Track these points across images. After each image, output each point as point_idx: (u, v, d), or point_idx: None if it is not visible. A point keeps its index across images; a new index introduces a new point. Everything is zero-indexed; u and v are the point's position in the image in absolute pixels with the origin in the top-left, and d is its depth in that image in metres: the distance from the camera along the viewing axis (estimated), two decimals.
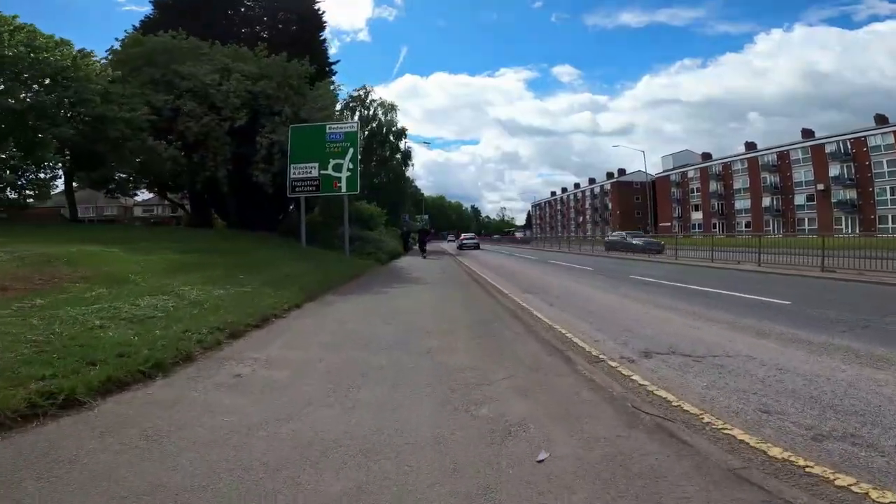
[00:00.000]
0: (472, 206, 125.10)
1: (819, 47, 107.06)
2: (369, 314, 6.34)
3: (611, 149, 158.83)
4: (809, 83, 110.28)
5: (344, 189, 17.10)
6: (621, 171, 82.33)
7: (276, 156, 17.69)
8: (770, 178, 54.60)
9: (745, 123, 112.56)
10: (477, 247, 41.24)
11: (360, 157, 39.78)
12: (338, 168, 17.10)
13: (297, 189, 17.30)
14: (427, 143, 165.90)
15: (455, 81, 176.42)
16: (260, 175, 17.37)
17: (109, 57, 18.99)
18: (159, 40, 18.68)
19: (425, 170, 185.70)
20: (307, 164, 17.32)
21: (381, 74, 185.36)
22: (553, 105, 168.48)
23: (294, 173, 17.30)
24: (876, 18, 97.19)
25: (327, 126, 17.80)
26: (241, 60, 19.18)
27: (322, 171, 17.17)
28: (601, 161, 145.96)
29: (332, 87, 24.43)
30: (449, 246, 49.02)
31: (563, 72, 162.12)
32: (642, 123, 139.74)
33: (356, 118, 40.53)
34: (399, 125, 40.48)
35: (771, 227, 53.16)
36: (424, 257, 22.51)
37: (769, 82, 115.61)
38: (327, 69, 28.34)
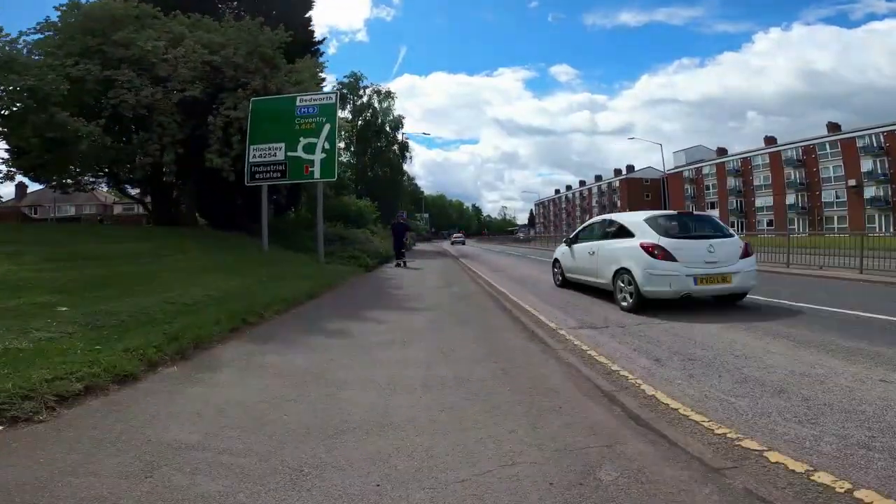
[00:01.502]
0: (474, 205, 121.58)
1: (817, 46, 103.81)
2: (255, 435, 2.45)
3: (610, 148, 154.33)
4: (808, 82, 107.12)
5: (317, 175, 13.46)
6: (630, 168, 78.85)
7: (234, 137, 14.13)
8: (794, 174, 50.88)
9: (744, 122, 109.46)
10: (463, 243, 53.69)
11: (353, 149, 36.74)
12: (310, 149, 13.48)
13: (257, 176, 13.69)
14: (427, 134, 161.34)
15: (454, 81, 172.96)
16: (215, 159, 13.76)
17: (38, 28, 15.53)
18: (98, 4, 15.15)
19: (425, 169, 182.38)
20: (271, 145, 13.71)
21: (381, 74, 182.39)
22: (552, 105, 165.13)
23: (254, 156, 13.70)
24: (874, 17, 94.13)
25: (297, 98, 14.17)
26: (203, 30, 15.65)
27: (290, 153, 13.54)
28: (600, 160, 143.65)
29: (316, 67, 20.72)
30: (453, 248, 45.41)
31: (562, 71, 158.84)
32: (641, 122, 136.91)
33: (348, 108, 37.13)
34: (396, 114, 36.97)
35: (796, 226, 49.48)
36: (402, 265, 15.23)
37: (768, 81, 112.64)
38: (313, 49, 24.76)
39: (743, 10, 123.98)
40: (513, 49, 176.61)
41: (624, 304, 6.65)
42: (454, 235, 65.34)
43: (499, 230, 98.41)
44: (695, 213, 12.26)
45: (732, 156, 59.51)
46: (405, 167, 38.64)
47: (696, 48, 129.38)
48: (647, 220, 6.89)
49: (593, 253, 7.72)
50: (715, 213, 59.81)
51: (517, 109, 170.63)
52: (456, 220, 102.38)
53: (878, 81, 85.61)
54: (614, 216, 8.41)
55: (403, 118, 37.53)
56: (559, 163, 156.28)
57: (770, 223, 52.51)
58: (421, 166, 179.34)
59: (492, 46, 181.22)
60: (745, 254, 6.61)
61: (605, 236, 7.69)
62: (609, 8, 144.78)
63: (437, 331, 5.32)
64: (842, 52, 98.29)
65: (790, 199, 50.88)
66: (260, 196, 17.08)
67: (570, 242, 8.85)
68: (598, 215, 63.14)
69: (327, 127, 13.64)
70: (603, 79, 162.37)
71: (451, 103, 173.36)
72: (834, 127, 49.93)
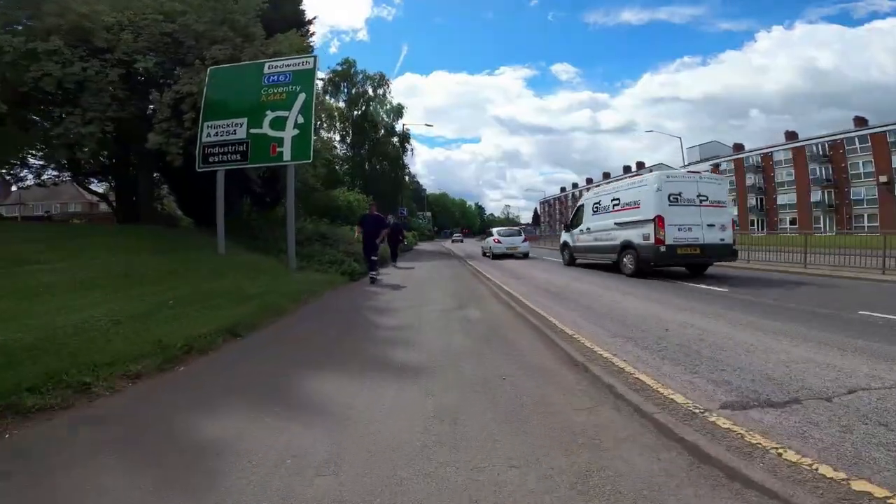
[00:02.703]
0: (476, 204, 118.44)
1: (820, 45, 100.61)
2: None
3: (611, 146, 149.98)
4: (810, 80, 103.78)
5: (288, 156, 10.53)
6: (640, 165, 75.83)
7: (187, 114, 11.28)
8: (820, 170, 47.66)
9: (746, 120, 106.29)
10: (462, 240, 57.39)
11: (349, 141, 33.74)
12: (278, 124, 10.58)
13: (211, 159, 10.77)
14: (430, 125, 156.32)
15: (455, 80, 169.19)
16: (156, 138, 10.88)
17: None
18: None
19: (427, 168, 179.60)
20: (230, 122, 10.83)
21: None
22: (553, 103, 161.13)
23: (208, 135, 10.80)
24: (876, 16, 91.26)
25: (266, 64, 11.30)
26: None
27: (253, 130, 10.66)
28: (601, 158, 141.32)
29: (301, 42, 17.76)
30: (453, 246, 42.20)
31: (563, 70, 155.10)
32: (643, 121, 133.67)
33: (342, 99, 34.15)
34: (395, 102, 34.00)
35: (822, 224, 46.36)
36: (374, 280, 11.22)
37: (770, 80, 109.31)
38: (303, 31, 21.84)
39: (745, 9, 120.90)
40: (514, 48, 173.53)
41: (489, 256, 20.53)
42: (454, 234, 68.90)
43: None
44: (514, 227, 27.61)
45: (752, 151, 56.23)
46: (406, 160, 35.63)
47: (698, 46, 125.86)
48: (496, 230, 22.19)
49: (485, 241, 23.09)
50: (734, 210, 56.56)
51: (518, 108, 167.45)
52: (459, 218, 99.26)
53: (881, 79, 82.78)
54: (493, 229, 23.86)
55: (404, 107, 34.59)
56: (561, 161, 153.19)
57: (793, 222, 49.38)
58: (423, 165, 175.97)
59: (492, 45, 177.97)
60: (525, 240, 20.84)
61: (487, 236, 23.51)
62: (610, 6, 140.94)
63: (453, 448, 2.36)
64: (844, 50, 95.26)
65: (815, 196, 47.70)
66: (243, 187, 14.32)
67: (481, 239, 29.35)
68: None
69: (302, 97, 10.73)
70: (604, 77, 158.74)
71: (453, 102, 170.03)
72: (861, 121, 46.73)
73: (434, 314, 6.28)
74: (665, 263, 10.58)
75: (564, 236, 15.02)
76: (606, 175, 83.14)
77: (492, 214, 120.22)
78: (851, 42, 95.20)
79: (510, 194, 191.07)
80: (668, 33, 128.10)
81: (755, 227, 51.96)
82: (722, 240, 10.38)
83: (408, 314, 6.31)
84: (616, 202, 11.89)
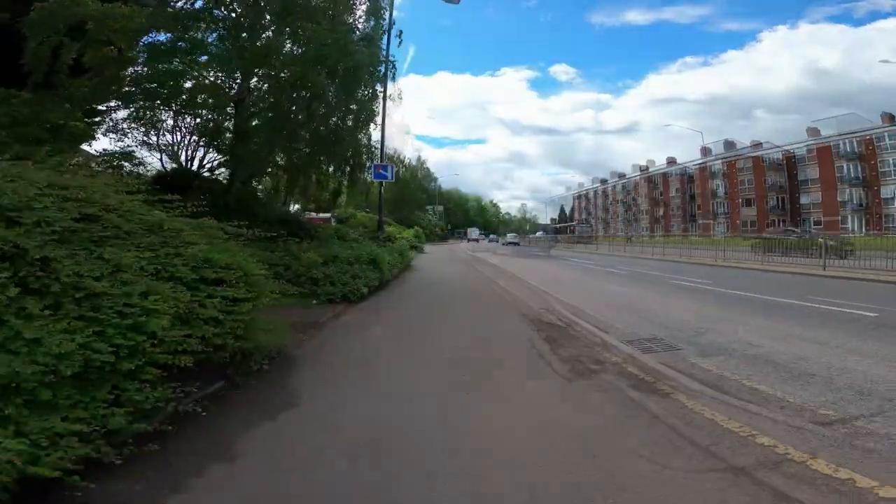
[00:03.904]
0: (491, 202, 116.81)
1: (824, 44, 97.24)
2: None
3: (613, 146, 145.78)
4: (815, 80, 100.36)
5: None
6: (650, 163, 73.75)
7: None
8: (849, 168, 45.35)
9: (752, 121, 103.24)
10: (477, 241, 62.23)
11: None
12: None
13: None
14: (432, 118, 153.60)
15: (459, 81, 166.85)
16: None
17: None
18: None
19: (431, 168, 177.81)
20: None
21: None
22: (556, 104, 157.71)
23: None
24: (878, 15, 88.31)
25: None
26: None
27: None
28: (604, 160, 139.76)
29: None
30: (467, 247, 40.52)
31: (567, 71, 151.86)
32: (647, 121, 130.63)
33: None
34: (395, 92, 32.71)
35: (850, 225, 44.12)
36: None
37: (774, 80, 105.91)
38: None
39: (750, 9, 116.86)
40: (515, 49, 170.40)
41: (470, 250, 39.68)
42: (470, 233, 69.87)
43: (518, 228, 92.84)
44: (482, 231, 78.04)
45: (772, 148, 53.85)
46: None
47: (701, 47, 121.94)
48: (475, 233, 70.91)
49: (468, 242, 62.32)
50: (752, 210, 54.28)
51: (522, 109, 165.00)
52: (474, 217, 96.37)
53: (884, 79, 79.75)
54: (471, 231, 72.72)
55: (402, 93, 33.23)
56: (566, 162, 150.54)
57: (817, 223, 47.08)
58: (430, 165, 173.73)
59: (493, 46, 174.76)
60: (489, 240, 68.00)
61: (467, 237, 70.51)
62: (613, 7, 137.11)
63: None
64: (847, 50, 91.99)
65: (844, 195, 45.35)
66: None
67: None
68: (621, 212, 60.11)
69: None
70: (607, 78, 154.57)
71: (457, 103, 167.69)
72: (889, 118, 44.31)
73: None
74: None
75: (501, 240, 38.41)
76: (621, 175, 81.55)
77: (507, 213, 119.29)
78: (855, 42, 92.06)
79: (516, 195, 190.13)
80: (671, 34, 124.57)
81: (774, 227, 49.85)
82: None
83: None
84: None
